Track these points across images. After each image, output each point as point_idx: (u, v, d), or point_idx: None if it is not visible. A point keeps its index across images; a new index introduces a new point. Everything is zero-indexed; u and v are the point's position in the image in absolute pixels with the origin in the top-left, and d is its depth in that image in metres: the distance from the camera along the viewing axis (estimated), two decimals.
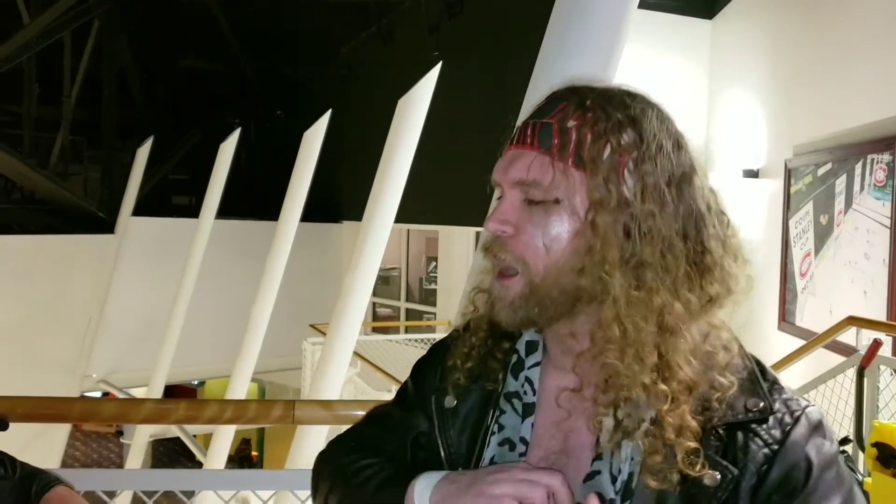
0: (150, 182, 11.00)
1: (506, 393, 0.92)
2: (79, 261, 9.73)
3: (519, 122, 0.88)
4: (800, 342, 5.00)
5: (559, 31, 2.05)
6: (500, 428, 0.90)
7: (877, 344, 3.13)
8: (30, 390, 1.78)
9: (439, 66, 5.00)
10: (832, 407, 3.72)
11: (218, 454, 6.74)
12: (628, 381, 0.81)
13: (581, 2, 2.08)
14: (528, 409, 0.90)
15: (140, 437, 8.34)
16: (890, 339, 4.20)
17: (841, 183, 5.74)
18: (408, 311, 11.59)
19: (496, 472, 0.80)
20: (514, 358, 0.92)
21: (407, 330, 10.42)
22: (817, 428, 0.82)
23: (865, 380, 3.16)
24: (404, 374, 1.05)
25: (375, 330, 10.63)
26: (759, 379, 0.85)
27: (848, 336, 4.43)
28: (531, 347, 0.93)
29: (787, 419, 0.81)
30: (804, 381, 4.11)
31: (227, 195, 8.43)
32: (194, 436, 8.57)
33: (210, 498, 1.98)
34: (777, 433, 0.80)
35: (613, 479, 0.82)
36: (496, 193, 0.88)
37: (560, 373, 0.90)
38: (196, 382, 14.60)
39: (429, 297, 11.35)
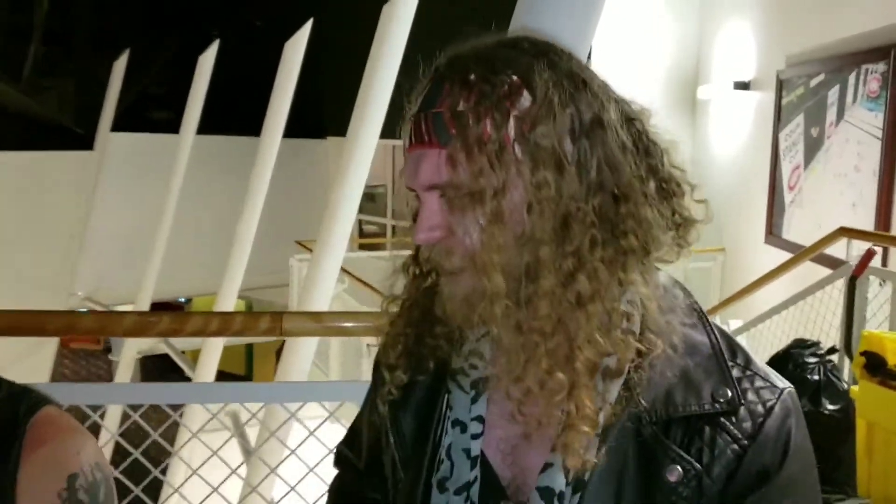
0: (128, 96, 10.72)
1: (451, 371, 0.86)
2: (58, 177, 9.56)
3: (414, 103, 0.79)
4: (786, 255, 5.02)
5: None
6: (451, 409, 0.85)
7: (870, 253, 3.13)
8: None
9: None
10: (819, 317, 3.74)
11: (206, 370, 6.78)
12: (521, 374, 0.76)
13: None
14: (480, 385, 0.84)
15: (127, 354, 8.37)
16: (880, 249, 4.21)
17: (833, 94, 5.66)
18: (394, 228, 11.57)
19: None
20: (457, 334, 0.85)
21: (393, 247, 10.42)
22: (790, 415, 0.77)
23: (857, 290, 3.17)
24: None
25: (362, 247, 10.63)
26: (725, 360, 0.78)
27: (835, 249, 4.44)
28: None
29: (760, 409, 0.76)
30: (788, 295, 4.14)
31: (207, 110, 8.23)
32: (183, 352, 8.60)
33: (199, 413, 1.96)
34: (748, 426, 0.75)
35: (567, 471, 0.77)
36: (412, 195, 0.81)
37: None
38: (183, 300, 14.62)
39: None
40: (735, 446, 0.75)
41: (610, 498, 0.77)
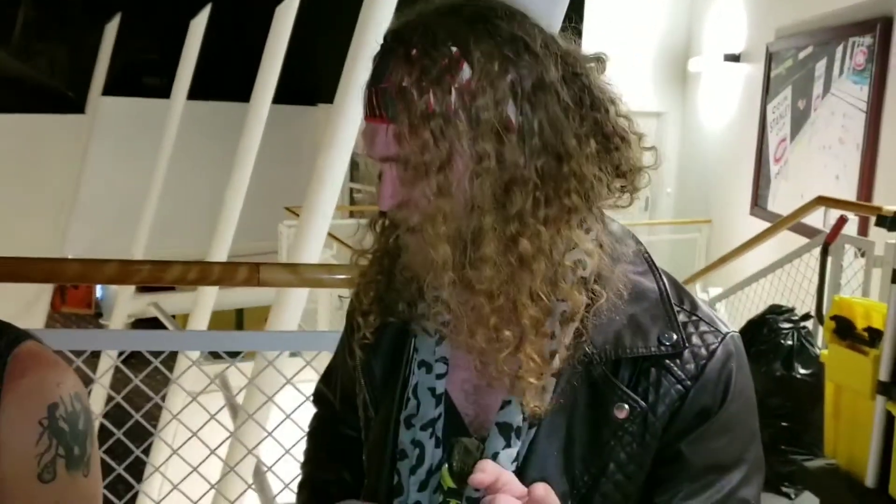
0: (120, 61, 10.65)
1: (415, 315, 0.90)
2: (50, 140, 9.54)
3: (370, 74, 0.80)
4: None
5: None
6: (417, 351, 0.90)
7: (842, 220, 3.18)
8: None
9: None
10: (796, 286, 3.81)
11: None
12: (472, 331, 0.81)
13: None
14: (443, 328, 0.88)
15: (118, 317, 8.42)
16: (857, 219, 4.27)
17: (821, 67, 5.68)
18: None
19: None
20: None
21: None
22: (731, 358, 0.81)
23: (830, 257, 3.23)
24: None
25: (353, 215, 10.64)
26: (671, 306, 0.82)
27: (817, 220, 4.49)
28: None
29: (703, 352, 0.80)
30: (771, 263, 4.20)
31: (199, 75, 8.20)
32: (173, 316, 8.65)
33: (191, 373, 1.99)
34: (691, 368, 0.79)
35: (524, 408, 0.81)
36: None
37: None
38: None
39: None
40: (679, 387, 0.79)
41: (562, 432, 0.82)
